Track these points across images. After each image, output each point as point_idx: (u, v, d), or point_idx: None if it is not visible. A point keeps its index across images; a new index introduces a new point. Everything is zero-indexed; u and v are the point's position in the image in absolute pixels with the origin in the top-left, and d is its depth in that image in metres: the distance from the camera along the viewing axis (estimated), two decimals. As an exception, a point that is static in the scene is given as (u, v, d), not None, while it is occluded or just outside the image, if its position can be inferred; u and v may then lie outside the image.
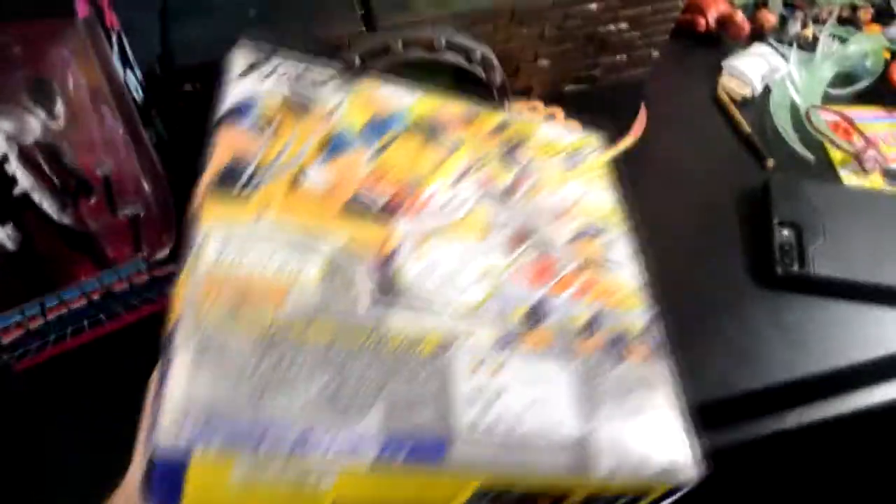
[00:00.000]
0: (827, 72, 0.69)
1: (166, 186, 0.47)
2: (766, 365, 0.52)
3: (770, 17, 0.74)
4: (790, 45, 0.72)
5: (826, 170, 0.64)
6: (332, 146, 0.39)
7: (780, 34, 0.74)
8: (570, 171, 0.47)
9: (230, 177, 0.35)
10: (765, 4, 0.76)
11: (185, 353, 0.29)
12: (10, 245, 0.45)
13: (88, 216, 0.46)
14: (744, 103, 0.69)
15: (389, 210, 0.38)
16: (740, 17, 0.73)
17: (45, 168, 0.43)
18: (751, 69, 0.69)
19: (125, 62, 0.45)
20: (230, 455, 0.28)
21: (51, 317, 0.50)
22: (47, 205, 0.44)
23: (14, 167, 0.42)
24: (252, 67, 0.40)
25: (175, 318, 0.30)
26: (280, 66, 0.41)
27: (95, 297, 0.50)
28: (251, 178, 0.36)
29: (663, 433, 0.38)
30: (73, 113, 0.41)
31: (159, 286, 0.51)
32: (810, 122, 0.65)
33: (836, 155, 0.65)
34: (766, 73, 0.70)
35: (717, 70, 0.71)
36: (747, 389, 0.51)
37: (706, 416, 0.50)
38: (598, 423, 0.36)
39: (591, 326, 0.39)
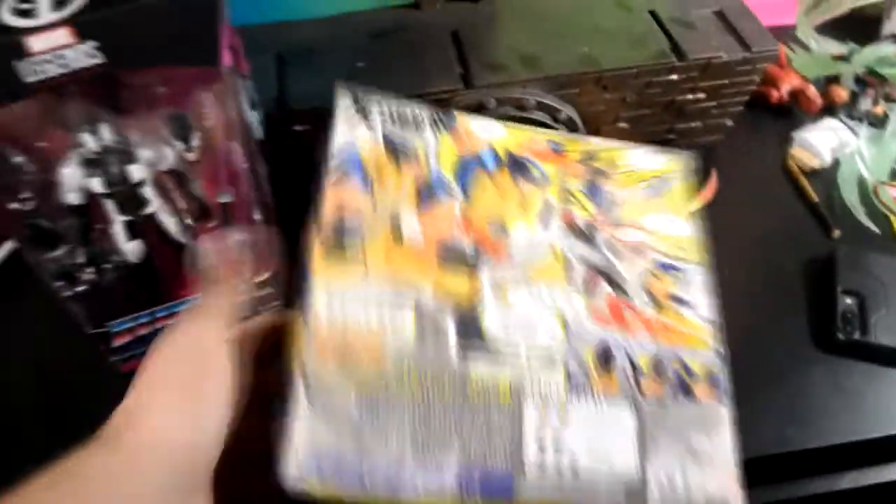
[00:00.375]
0: (894, 147, 0.71)
1: (273, 217, 0.53)
2: (822, 426, 0.53)
3: (841, 93, 0.77)
4: (860, 120, 0.74)
5: (891, 243, 0.66)
6: (427, 192, 0.42)
7: (850, 110, 0.76)
8: (653, 200, 0.46)
9: (338, 233, 0.39)
10: (836, 80, 0.78)
11: (301, 408, 0.35)
12: (133, 259, 0.50)
13: (205, 237, 0.51)
14: (812, 174, 0.71)
15: (477, 257, 0.41)
16: (812, 91, 0.76)
17: (174, 193, 0.49)
18: (821, 142, 0.72)
19: (251, 103, 0.50)
20: (339, 493, 0.35)
21: (159, 325, 0.55)
22: (171, 225, 0.50)
23: (148, 190, 0.48)
24: (354, 110, 0.43)
25: (293, 373, 0.35)
26: (379, 105, 0.43)
27: (200, 311, 0.55)
28: (357, 233, 0.39)
29: (716, 473, 0.39)
30: (205, 146, 0.46)
31: (255, 305, 0.56)
32: (877, 196, 0.67)
33: (901, 229, 0.67)
34: (836, 146, 0.72)
35: (788, 141, 0.73)
36: (802, 448, 0.53)
37: (760, 470, 0.52)
38: (656, 464, 0.39)
39: (658, 367, 0.41)
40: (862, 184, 0.70)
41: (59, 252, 0.47)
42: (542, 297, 0.42)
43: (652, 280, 0.43)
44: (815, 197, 0.69)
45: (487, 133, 0.45)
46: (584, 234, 0.44)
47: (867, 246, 0.64)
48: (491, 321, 0.40)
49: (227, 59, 0.43)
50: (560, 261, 0.42)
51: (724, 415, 0.41)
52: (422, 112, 0.44)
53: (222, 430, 0.32)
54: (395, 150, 0.42)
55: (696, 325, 0.43)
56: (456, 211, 0.42)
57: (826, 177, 0.72)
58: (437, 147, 0.43)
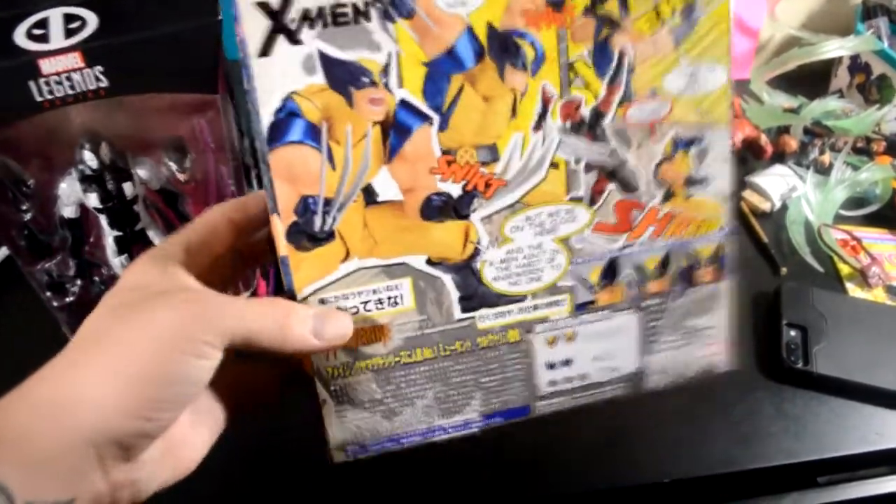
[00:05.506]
0: (840, 195, 0.77)
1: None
2: (766, 449, 0.57)
3: (791, 143, 0.82)
4: (808, 168, 0.80)
5: (834, 281, 0.71)
6: (394, 135, 0.34)
7: (799, 158, 0.82)
8: (680, 45, 0.37)
9: (304, 223, 0.34)
10: (787, 131, 0.84)
11: (327, 405, 0.38)
12: (121, 272, 0.53)
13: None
14: (763, 216, 0.76)
15: (465, 201, 0.37)
16: (764, 139, 0.82)
17: (164, 211, 0.52)
18: (771, 187, 0.77)
19: (241, 131, 0.54)
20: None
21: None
22: (158, 242, 0.53)
23: (139, 207, 0.50)
24: (271, 37, 0.31)
25: (308, 371, 0.37)
26: (303, 20, 0.31)
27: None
28: (325, 215, 0.34)
29: (710, 344, 0.43)
30: (197, 168, 0.50)
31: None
32: (822, 238, 0.72)
33: (843, 269, 0.71)
34: (785, 191, 0.77)
35: (741, 185, 0.78)
36: (747, 469, 0.56)
37: (708, 489, 0.56)
38: (655, 354, 0.43)
39: (663, 266, 0.41)
40: (808, 226, 0.75)
41: (51, 263, 0.50)
42: (542, 225, 0.38)
43: (666, 167, 0.39)
44: (764, 237, 0.74)
45: (461, 5, 0.33)
46: (589, 127, 0.37)
47: (811, 283, 0.69)
48: (491, 272, 0.38)
49: (222, 87, 0.47)
50: (561, 171, 0.38)
51: (722, 290, 0.43)
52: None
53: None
54: (340, 80, 0.32)
55: (708, 205, 0.41)
56: (434, 146, 0.35)
57: (775, 219, 0.77)
58: (396, 56, 0.33)
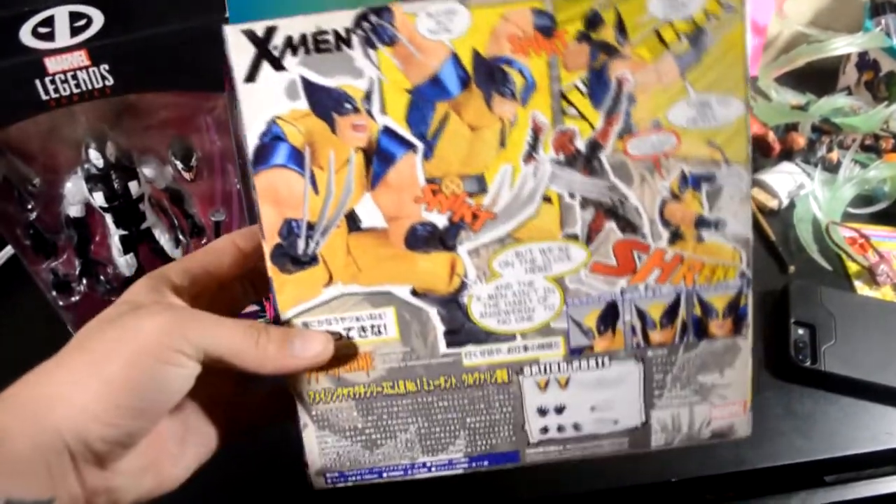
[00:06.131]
0: (847, 192, 0.76)
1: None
2: (775, 448, 0.57)
3: (799, 140, 0.82)
4: (815, 165, 0.79)
5: (842, 280, 0.70)
6: (378, 161, 0.34)
7: (807, 155, 0.81)
8: (688, 73, 0.34)
9: (288, 245, 0.34)
10: (795, 128, 0.84)
11: (308, 429, 0.37)
12: (126, 272, 0.53)
13: (196, 254, 0.54)
14: (770, 214, 0.76)
15: (453, 233, 0.35)
16: (772, 137, 0.81)
17: (169, 210, 0.52)
18: (779, 184, 0.76)
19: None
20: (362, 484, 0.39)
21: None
22: (164, 241, 0.53)
23: (145, 206, 0.50)
24: (256, 63, 0.32)
25: (290, 395, 0.37)
26: (286, 38, 0.32)
27: (188, 325, 0.58)
28: (308, 239, 0.35)
29: (724, 405, 0.39)
30: (203, 168, 0.49)
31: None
32: (829, 235, 0.72)
33: (851, 267, 0.71)
34: (793, 189, 0.77)
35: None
36: (756, 468, 0.56)
37: (718, 488, 0.55)
38: (661, 409, 0.38)
39: (669, 313, 0.37)
40: (815, 224, 0.74)
41: (56, 262, 0.50)
42: (534, 262, 0.36)
43: (673, 207, 0.36)
44: (772, 236, 0.73)
45: (444, 31, 0.32)
46: (585, 160, 0.35)
47: (819, 281, 0.68)
48: (479, 307, 0.37)
49: (227, 85, 0.46)
50: (554, 206, 0.36)
51: (740, 345, 0.38)
52: (346, 23, 0.32)
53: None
54: (323, 106, 0.33)
55: (722, 250, 0.37)
56: (418, 174, 0.34)
57: (783, 217, 0.76)
58: (378, 83, 0.33)
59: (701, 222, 0.36)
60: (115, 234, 0.50)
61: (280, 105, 0.32)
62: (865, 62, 0.88)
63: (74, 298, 0.52)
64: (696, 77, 0.34)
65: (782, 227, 0.75)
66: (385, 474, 0.39)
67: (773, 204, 0.76)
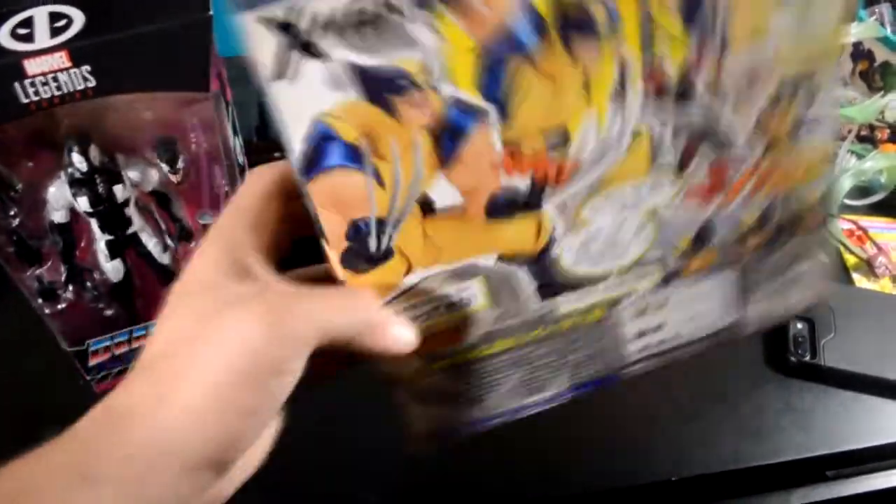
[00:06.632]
0: (844, 184, 0.76)
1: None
2: (775, 444, 0.56)
3: (794, 131, 0.81)
4: (811, 157, 0.78)
5: (840, 272, 0.70)
6: (447, 139, 0.29)
7: (802, 147, 0.81)
8: None
9: (358, 246, 0.31)
10: (789, 119, 0.83)
11: (413, 405, 0.36)
12: (114, 277, 0.52)
13: (185, 259, 0.53)
14: (767, 206, 0.75)
15: (535, 192, 0.32)
16: (766, 128, 0.80)
17: (156, 213, 0.51)
18: (774, 176, 0.76)
19: (234, 130, 0.52)
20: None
21: (136, 345, 0.56)
22: (152, 245, 0.51)
23: (131, 210, 0.49)
24: (285, 55, 0.26)
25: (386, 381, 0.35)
26: (317, 28, 0.25)
27: (178, 330, 0.57)
28: (380, 235, 0.31)
29: (812, 283, 0.40)
30: (189, 169, 0.48)
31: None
32: (827, 227, 0.71)
33: (849, 259, 0.70)
34: (788, 180, 0.76)
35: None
36: (756, 465, 0.55)
37: (717, 486, 0.55)
38: (756, 303, 0.39)
39: (761, 222, 0.36)
40: (813, 216, 0.74)
41: (41, 269, 0.48)
42: (625, 201, 0.34)
43: (769, 115, 0.34)
44: (768, 228, 0.72)
45: None
46: (678, 86, 0.31)
47: (817, 274, 0.68)
48: (570, 256, 0.34)
49: (214, 85, 0.45)
50: (644, 141, 0.33)
51: (820, 237, 0.40)
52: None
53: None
54: (375, 90, 0.27)
55: (817, 150, 0.36)
56: (494, 140, 0.30)
57: (779, 209, 0.75)
58: (439, 49, 0.27)
59: (796, 125, 0.34)
60: (100, 240, 0.49)
61: (324, 99, 0.27)
62: (860, 52, 0.88)
63: (61, 306, 0.50)
64: None
65: (779, 219, 0.74)
66: (493, 421, 0.39)
67: (768, 196, 0.75)
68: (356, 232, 0.30)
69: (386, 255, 0.31)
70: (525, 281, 0.34)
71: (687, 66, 0.31)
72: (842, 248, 0.71)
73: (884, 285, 0.68)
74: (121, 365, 0.57)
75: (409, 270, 0.32)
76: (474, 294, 0.34)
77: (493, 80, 0.28)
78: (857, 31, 0.83)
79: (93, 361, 0.55)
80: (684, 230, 0.35)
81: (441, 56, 0.27)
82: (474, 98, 0.28)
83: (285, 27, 0.25)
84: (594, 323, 0.37)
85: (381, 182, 0.29)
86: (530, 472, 0.54)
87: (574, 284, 0.35)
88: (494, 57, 0.28)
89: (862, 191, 0.77)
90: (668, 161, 0.33)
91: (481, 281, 0.34)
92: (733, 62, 0.31)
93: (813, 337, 0.61)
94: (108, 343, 0.55)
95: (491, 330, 0.35)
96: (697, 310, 0.38)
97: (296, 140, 0.27)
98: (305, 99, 0.26)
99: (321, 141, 0.27)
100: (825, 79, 0.33)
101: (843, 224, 0.72)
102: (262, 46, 0.25)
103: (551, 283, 0.35)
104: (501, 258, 0.33)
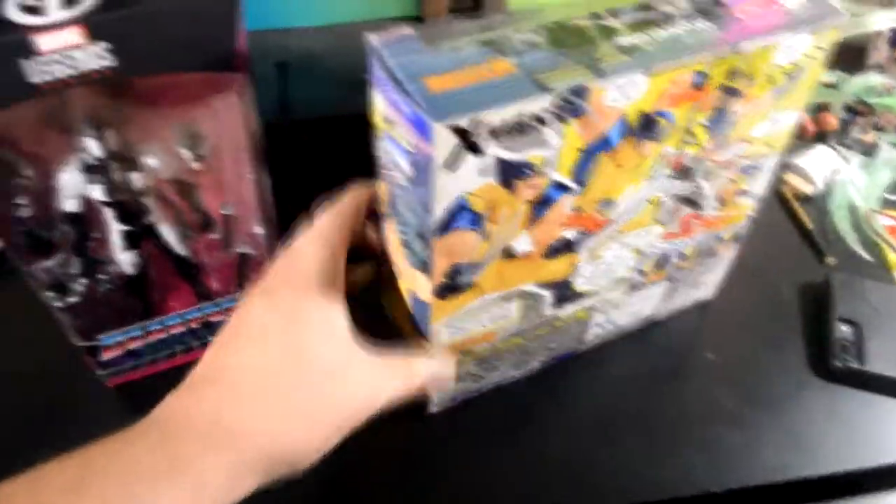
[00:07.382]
0: (886, 177, 0.72)
1: (275, 230, 0.51)
2: (819, 454, 0.54)
3: (832, 120, 0.78)
4: (851, 148, 0.75)
5: (882, 271, 0.67)
6: (542, 204, 0.38)
7: (841, 137, 0.77)
8: (776, 101, 0.42)
9: (451, 278, 0.39)
10: (827, 108, 0.79)
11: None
12: (129, 270, 0.48)
13: (204, 250, 0.50)
14: (806, 200, 0.72)
15: (579, 242, 0.43)
16: (805, 117, 0.77)
17: (176, 203, 0.47)
18: (813, 168, 0.72)
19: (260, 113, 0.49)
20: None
21: (150, 339, 0.53)
22: (170, 236, 0.48)
23: (149, 199, 0.46)
24: (458, 153, 0.33)
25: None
26: (490, 126, 0.32)
27: (194, 325, 0.54)
28: (471, 274, 0.40)
29: (707, 287, 0.58)
30: (213, 156, 0.45)
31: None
32: (869, 224, 0.68)
33: (892, 257, 0.67)
34: (828, 173, 0.73)
35: (782, 167, 0.74)
36: (800, 477, 0.53)
37: (759, 499, 0.52)
38: (670, 300, 0.56)
39: (699, 249, 0.51)
40: (853, 211, 0.71)
41: (52, 261, 0.45)
42: (626, 242, 0.46)
43: (727, 188, 0.47)
44: (809, 224, 0.69)
45: (625, 99, 0.35)
46: (687, 172, 0.43)
47: (860, 273, 0.65)
48: (581, 280, 0.46)
49: (239, 66, 0.42)
50: (654, 205, 0.44)
51: (731, 254, 0.56)
52: (545, 104, 0.33)
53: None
54: (508, 176, 0.35)
55: (745, 206, 0.50)
56: (567, 208, 0.39)
57: (819, 204, 0.72)
58: (558, 148, 0.35)
59: (741, 192, 0.49)
60: (115, 230, 0.45)
61: (472, 183, 0.34)
62: (900, 38, 0.84)
63: (73, 300, 0.47)
64: (782, 102, 0.42)
65: (819, 214, 0.71)
66: (485, 389, 0.52)
67: (808, 189, 0.72)
68: (455, 272, 0.39)
69: (467, 287, 0.40)
70: (548, 299, 0.46)
71: (697, 157, 0.42)
72: (884, 246, 0.68)
73: (930, 286, 0.65)
74: (134, 360, 0.53)
75: (479, 296, 0.42)
76: (511, 311, 0.45)
77: (584, 167, 0.37)
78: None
79: (105, 356, 0.52)
80: (651, 259, 0.49)
81: (558, 154, 0.35)
82: (567, 180, 0.37)
83: (463, 132, 0.31)
84: (577, 321, 0.51)
85: (486, 238, 0.38)
86: (567, 484, 0.51)
87: (576, 298, 0.48)
88: (590, 152, 0.37)
89: (904, 185, 0.74)
90: (661, 218, 0.46)
91: (519, 301, 0.45)
92: (722, 155, 0.44)
93: (859, 341, 0.58)
94: (121, 338, 0.52)
95: (512, 333, 0.48)
96: (638, 308, 0.55)
97: (439, 209, 0.34)
98: (460, 182, 0.34)
99: (458, 209, 0.35)
100: (767, 165, 0.48)
101: (884, 220, 0.69)
102: (442, 144, 0.31)
103: (563, 298, 0.47)
104: (538, 283, 0.44)
